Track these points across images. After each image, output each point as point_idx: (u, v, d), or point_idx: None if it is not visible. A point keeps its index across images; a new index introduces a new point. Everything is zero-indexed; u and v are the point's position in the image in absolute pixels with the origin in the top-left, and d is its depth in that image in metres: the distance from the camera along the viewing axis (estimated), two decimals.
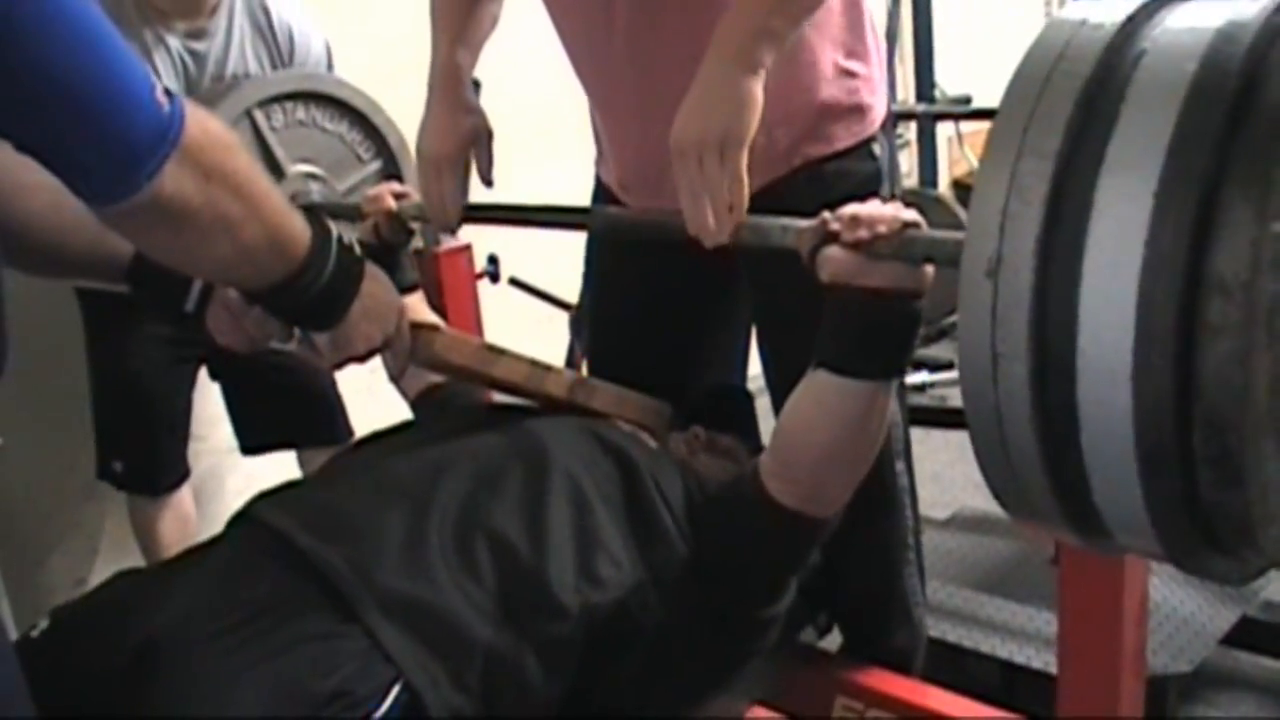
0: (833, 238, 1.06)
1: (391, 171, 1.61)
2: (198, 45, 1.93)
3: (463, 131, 1.41)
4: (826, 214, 1.08)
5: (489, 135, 1.44)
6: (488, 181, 1.44)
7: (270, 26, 2.00)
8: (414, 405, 1.49)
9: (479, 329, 1.85)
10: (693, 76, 1.18)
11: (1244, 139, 0.73)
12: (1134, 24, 0.82)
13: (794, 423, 1.15)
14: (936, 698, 1.56)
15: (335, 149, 1.56)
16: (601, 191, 1.59)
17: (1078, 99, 0.78)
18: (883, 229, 1.03)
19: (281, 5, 2.03)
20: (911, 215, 1.05)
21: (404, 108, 2.54)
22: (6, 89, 0.79)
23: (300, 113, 1.55)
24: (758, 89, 1.15)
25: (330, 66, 2.07)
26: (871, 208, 1.06)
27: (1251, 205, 0.72)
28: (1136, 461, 0.76)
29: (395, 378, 1.43)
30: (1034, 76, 0.81)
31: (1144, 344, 0.73)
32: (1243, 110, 0.74)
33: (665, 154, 1.18)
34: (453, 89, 1.43)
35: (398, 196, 1.44)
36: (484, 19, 1.46)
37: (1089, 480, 0.79)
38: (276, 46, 2.01)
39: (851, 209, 1.07)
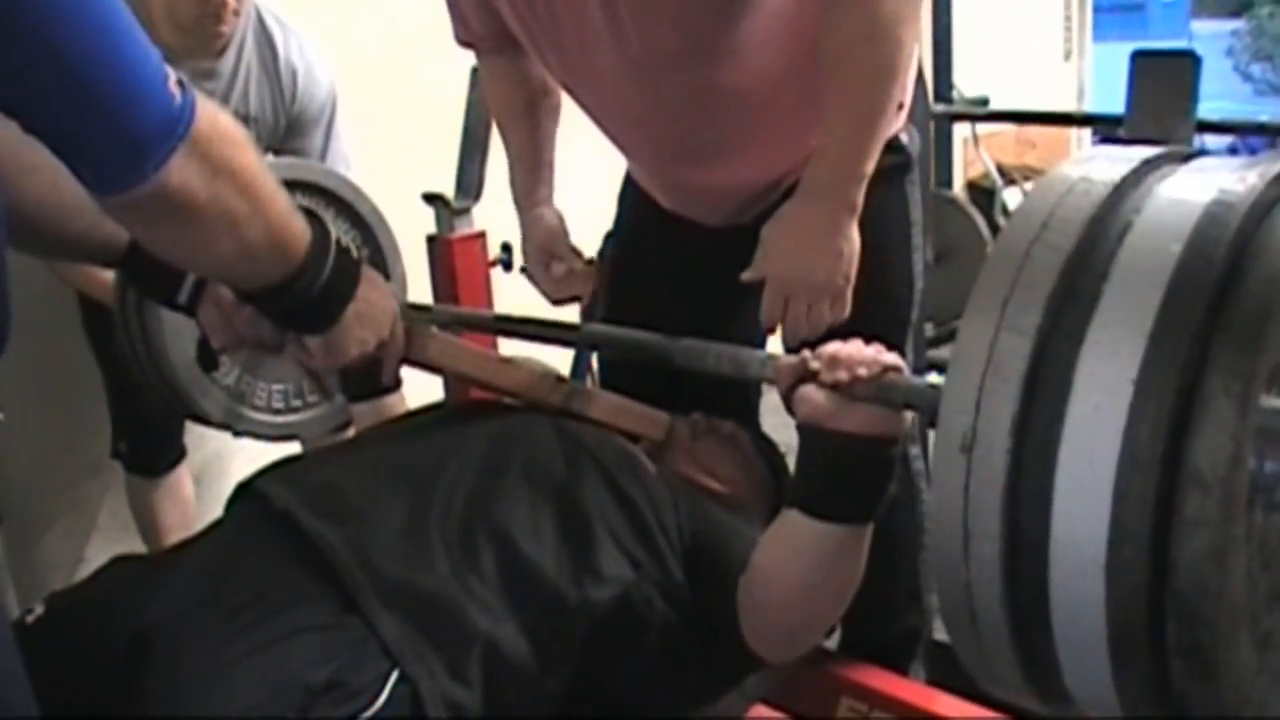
0: (811, 376, 1.05)
1: (377, 261, 1.58)
2: (205, 85, 1.91)
3: (533, 252, 1.63)
4: (807, 353, 1.07)
5: (557, 236, 1.61)
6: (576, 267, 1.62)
7: (276, 69, 1.99)
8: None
9: None
10: (705, 114, 1.34)
11: (1226, 329, 0.72)
12: (1121, 193, 0.80)
13: (767, 559, 1.12)
14: (941, 701, 1.54)
15: None
16: (632, 187, 1.63)
17: (1060, 274, 0.77)
18: (862, 371, 1.02)
19: (290, 48, 2.02)
20: (893, 359, 1.03)
21: (392, 112, 2.54)
22: (17, 72, 0.78)
23: None
24: (855, 230, 1.31)
25: (334, 113, 2.07)
26: (853, 348, 1.05)
27: (1233, 399, 0.70)
28: (1108, 647, 0.75)
29: (389, 380, 1.41)
30: (1016, 247, 0.79)
31: (1118, 536, 0.72)
32: (1226, 299, 0.72)
33: (696, 184, 1.45)
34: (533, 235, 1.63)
35: None
36: (548, 155, 1.61)
37: (1059, 661, 0.78)
38: (280, 89, 2.00)
39: (832, 348, 1.05)
